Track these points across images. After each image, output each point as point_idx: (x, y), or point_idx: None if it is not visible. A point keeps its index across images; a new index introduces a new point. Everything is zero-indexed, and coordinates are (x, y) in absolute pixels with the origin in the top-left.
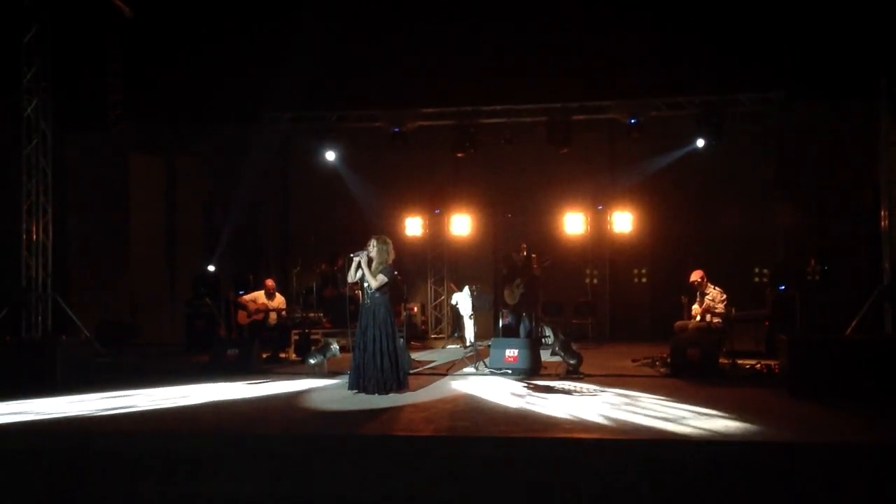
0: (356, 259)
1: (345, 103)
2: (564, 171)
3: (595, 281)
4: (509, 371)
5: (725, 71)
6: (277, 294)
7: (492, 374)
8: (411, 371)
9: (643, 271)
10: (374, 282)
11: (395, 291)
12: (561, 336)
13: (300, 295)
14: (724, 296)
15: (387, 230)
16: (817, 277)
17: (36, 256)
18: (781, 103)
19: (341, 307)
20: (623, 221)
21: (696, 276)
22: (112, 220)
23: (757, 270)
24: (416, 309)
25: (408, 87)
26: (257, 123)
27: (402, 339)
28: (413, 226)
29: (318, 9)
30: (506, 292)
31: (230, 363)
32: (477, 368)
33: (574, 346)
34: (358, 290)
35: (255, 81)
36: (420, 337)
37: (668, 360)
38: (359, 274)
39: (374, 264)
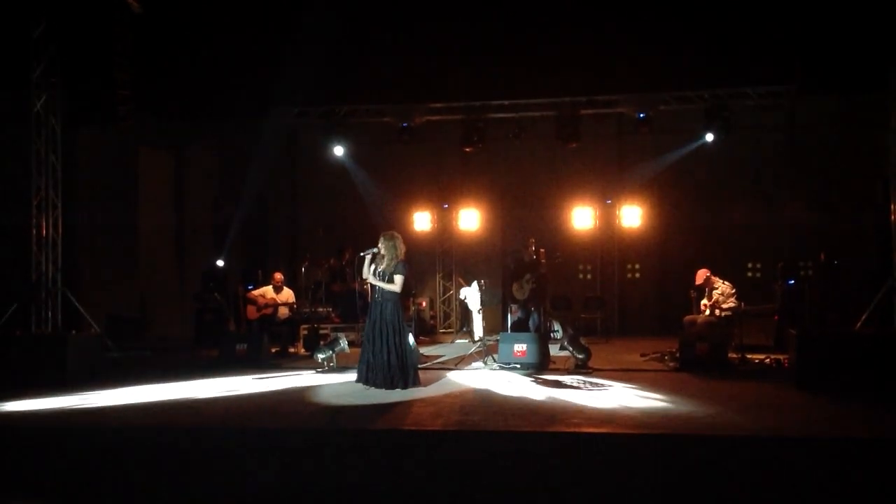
0: (367, 256)
1: (353, 98)
2: (573, 166)
3: (599, 275)
4: (518, 366)
5: (734, 64)
6: (286, 288)
7: (500, 368)
8: (420, 366)
9: (651, 265)
10: (395, 286)
11: (405, 286)
12: (569, 330)
13: (309, 290)
14: (734, 290)
15: (395, 225)
16: (809, 273)
17: (45, 251)
18: (790, 97)
19: (350, 302)
20: (632, 216)
21: (700, 277)
22: (121, 215)
23: (751, 265)
24: (424, 304)
25: (416, 82)
26: (266, 118)
27: (410, 335)
28: (421, 220)
29: (326, 3)
30: (514, 287)
31: (239, 358)
32: (486, 363)
33: (583, 341)
34: (369, 285)
35: (263, 76)
36: (429, 332)
37: (677, 354)
38: (372, 268)
39: (385, 261)
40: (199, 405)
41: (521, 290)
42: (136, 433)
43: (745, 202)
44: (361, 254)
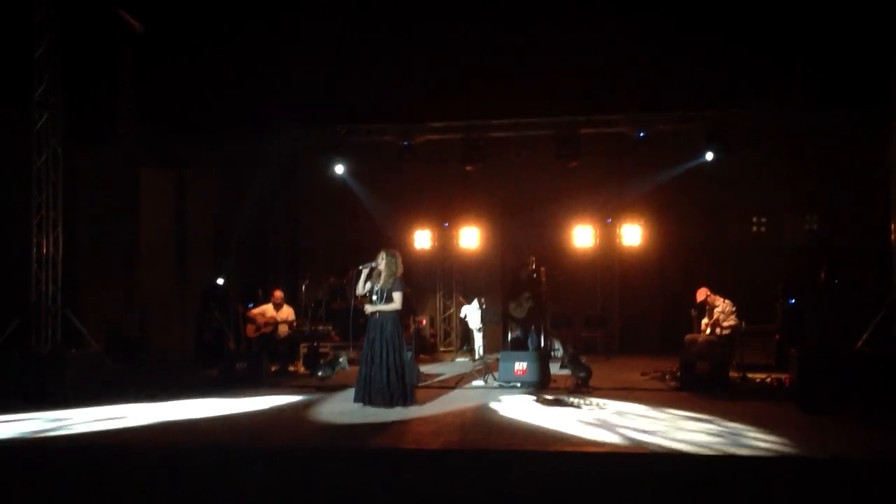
0: (364, 271)
1: (354, 117)
2: (573, 185)
3: (599, 293)
4: (518, 384)
5: (734, 84)
6: (285, 305)
7: (501, 387)
8: (420, 384)
9: (652, 284)
10: (395, 304)
11: (405, 304)
12: (570, 349)
13: (309, 308)
14: (734, 308)
15: (396, 243)
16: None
17: (46, 270)
18: (790, 116)
19: (350, 320)
20: (632, 234)
21: (701, 295)
22: (122, 233)
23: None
24: (424, 322)
25: (417, 101)
26: (267, 136)
27: (410, 353)
28: (422, 239)
29: (327, 23)
30: (511, 306)
31: (239, 376)
32: (486, 381)
33: (583, 360)
34: (366, 302)
35: (264, 95)
36: (429, 350)
37: (678, 373)
38: (367, 286)
39: (383, 277)
40: (199, 424)
41: (519, 309)
42: (135, 452)
43: (746, 220)
44: (360, 267)
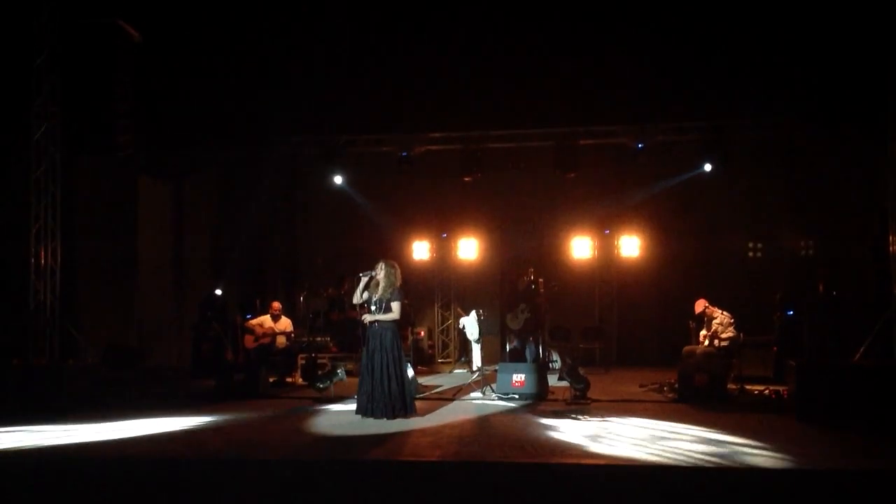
0: (364, 279)
1: (353, 128)
2: (571, 196)
3: (597, 305)
4: (516, 396)
5: (732, 96)
6: (283, 317)
7: (499, 399)
8: (418, 396)
9: (650, 295)
10: (394, 314)
11: (404, 315)
12: (568, 361)
13: (307, 319)
14: (733, 320)
15: (394, 254)
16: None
17: (44, 280)
18: (788, 127)
19: (348, 331)
20: (630, 246)
21: (699, 307)
22: (120, 244)
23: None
24: (422, 333)
25: (415, 112)
26: (265, 147)
27: (409, 364)
28: (420, 250)
29: (326, 33)
30: (508, 317)
31: (237, 387)
32: (484, 393)
33: (581, 371)
34: (366, 312)
35: (263, 105)
36: (427, 361)
37: (676, 385)
38: (364, 296)
39: (381, 287)
40: (196, 435)
41: (515, 320)
42: (132, 464)
43: (744, 232)
44: (360, 274)
